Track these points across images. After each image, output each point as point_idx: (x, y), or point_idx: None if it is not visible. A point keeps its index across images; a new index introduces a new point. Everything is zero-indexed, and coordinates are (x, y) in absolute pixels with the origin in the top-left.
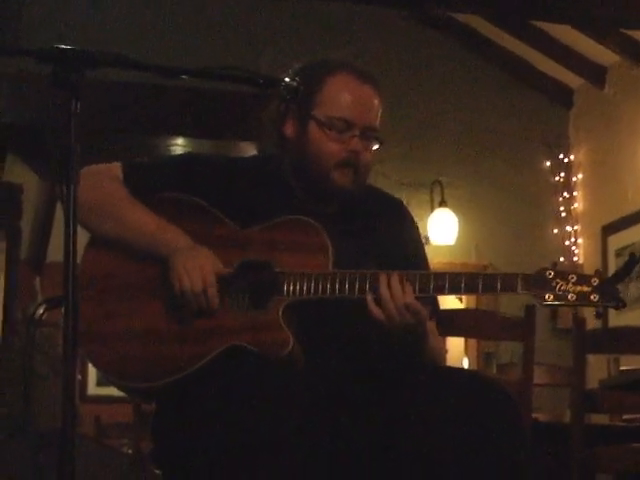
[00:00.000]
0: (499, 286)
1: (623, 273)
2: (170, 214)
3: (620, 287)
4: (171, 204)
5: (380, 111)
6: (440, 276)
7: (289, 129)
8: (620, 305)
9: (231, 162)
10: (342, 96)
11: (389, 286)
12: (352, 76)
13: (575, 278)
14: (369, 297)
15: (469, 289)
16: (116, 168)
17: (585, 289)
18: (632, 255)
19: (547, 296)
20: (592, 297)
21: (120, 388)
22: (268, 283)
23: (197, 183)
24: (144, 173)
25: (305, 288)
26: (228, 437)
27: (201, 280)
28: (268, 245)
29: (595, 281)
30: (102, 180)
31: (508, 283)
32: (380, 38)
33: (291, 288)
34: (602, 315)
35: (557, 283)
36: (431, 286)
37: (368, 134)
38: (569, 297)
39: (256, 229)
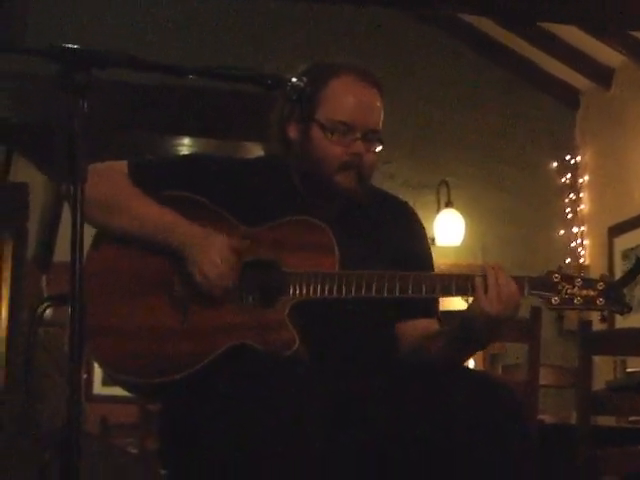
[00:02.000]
0: None
1: (629, 278)
2: (177, 212)
3: (626, 291)
4: (178, 202)
5: (382, 112)
6: (447, 277)
7: (293, 131)
8: (626, 310)
9: (237, 162)
10: (344, 99)
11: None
12: (354, 78)
13: (581, 282)
14: (480, 291)
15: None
16: (122, 166)
17: (591, 293)
18: (638, 260)
19: (553, 299)
20: (598, 301)
21: (123, 385)
22: (274, 283)
23: (203, 182)
24: (150, 171)
25: (311, 288)
26: (233, 436)
27: (223, 262)
28: (275, 244)
29: (601, 285)
30: (110, 176)
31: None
32: (386, 39)
33: (297, 288)
34: (607, 319)
35: (563, 286)
36: (437, 287)
37: (370, 136)
38: (575, 301)
39: (263, 228)
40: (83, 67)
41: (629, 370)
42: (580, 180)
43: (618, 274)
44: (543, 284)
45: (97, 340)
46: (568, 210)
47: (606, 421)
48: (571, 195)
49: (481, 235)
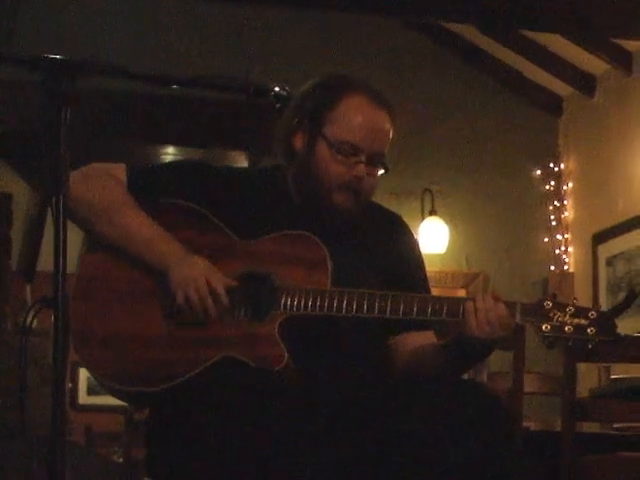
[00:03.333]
0: None
1: (621, 307)
2: (172, 221)
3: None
4: (174, 211)
5: (391, 137)
6: (438, 300)
7: (298, 142)
8: (616, 341)
9: (234, 172)
10: (354, 119)
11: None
12: (367, 99)
13: (573, 310)
14: (470, 316)
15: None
16: (121, 170)
17: (582, 322)
18: (631, 290)
19: (544, 326)
20: (589, 330)
21: (112, 392)
22: (266, 296)
23: (200, 191)
24: (148, 178)
25: (302, 304)
26: (220, 447)
27: (208, 290)
28: (268, 258)
29: (593, 314)
30: (105, 181)
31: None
32: (372, 47)
33: (288, 303)
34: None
35: (555, 314)
36: (429, 309)
37: (374, 160)
38: (566, 329)
39: (257, 241)
40: (67, 77)
41: (613, 377)
42: (564, 187)
43: (602, 281)
44: (534, 311)
45: (86, 346)
46: (552, 217)
47: (591, 428)
48: (555, 202)
49: (465, 243)
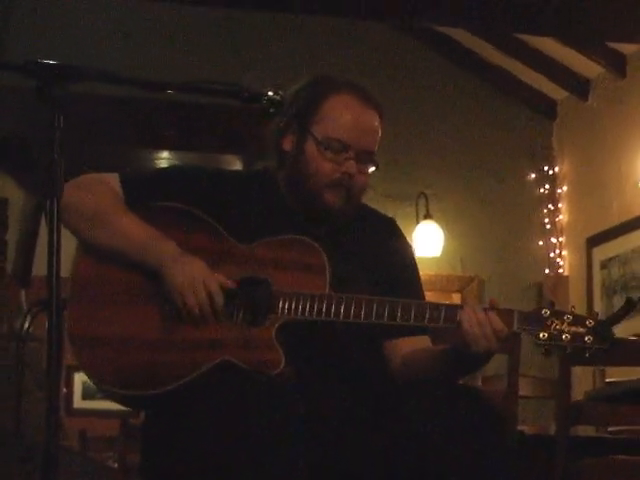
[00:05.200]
0: None
1: (619, 316)
2: (168, 224)
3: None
4: (170, 214)
5: (379, 134)
6: (435, 306)
7: (288, 143)
8: (613, 349)
9: (227, 175)
10: (341, 116)
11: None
12: (354, 97)
13: (571, 318)
14: (466, 326)
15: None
16: (114, 179)
17: (580, 330)
18: (629, 299)
19: (542, 335)
20: (586, 339)
21: (109, 395)
22: (264, 301)
23: (195, 194)
24: (142, 184)
25: (300, 308)
26: (216, 452)
27: (205, 291)
28: (266, 262)
29: (590, 322)
30: (98, 189)
31: (504, 319)
32: (364, 51)
33: (286, 307)
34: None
35: (552, 322)
36: (426, 315)
37: (364, 157)
38: (563, 337)
39: (254, 245)
40: (59, 82)
41: (608, 380)
42: (558, 191)
43: (597, 284)
44: (532, 319)
45: (83, 348)
46: (547, 221)
47: (585, 431)
48: (549, 206)
49: (460, 246)
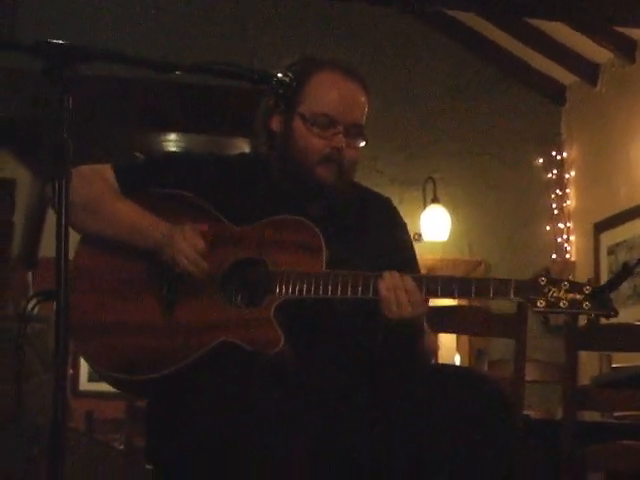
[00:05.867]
0: (492, 291)
1: (616, 282)
2: (164, 209)
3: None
4: (166, 199)
5: (366, 108)
6: (432, 279)
7: (275, 124)
8: (612, 314)
9: (221, 159)
10: (326, 92)
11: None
12: (338, 73)
13: (568, 285)
14: (381, 285)
15: (462, 293)
16: (106, 169)
17: (577, 297)
18: (625, 265)
19: (539, 302)
20: (584, 305)
21: (110, 381)
22: (261, 281)
23: (189, 180)
24: (136, 172)
25: (297, 288)
26: (219, 432)
27: (190, 246)
28: (262, 243)
29: (588, 289)
30: (91, 180)
31: (501, 288)
32: (375, 35)
33: (283, 287)
34: (593, 322)
35: (549, 290)
36: (424, 289)
37: (352, 131)
38: (561, 304)
39: (251, 227)
40: (69, 62)
41: (614, 365)
42: (566, 176)
43: (604, 270)
44: (529, 287)
45: (84, 336)
46: (554, 206)
47: (592, 416)
48: (557, 191)
49: (467, 231)
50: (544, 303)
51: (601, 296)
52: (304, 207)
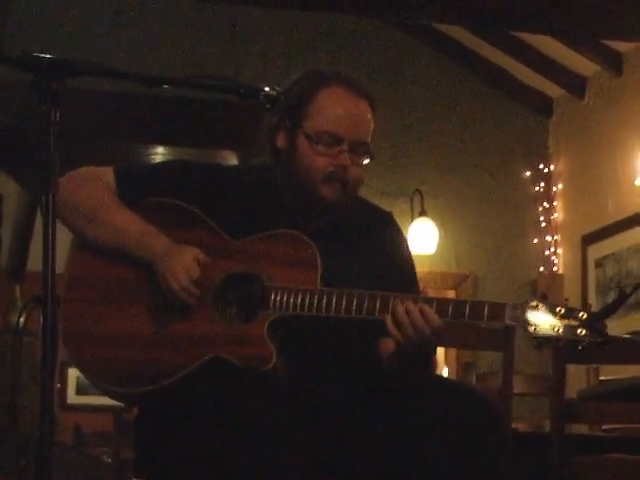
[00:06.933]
0: (486, 314)
1: (612, 309)
2: (162, 220)
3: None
4: (164, 210)
5: (372, 125)
6: (427, 301)
7: (280, 140)
8: (607, 346)
9: (223, 170)
10: (332, 109)
11: (407, 312)
12: (344, 89)
13: (563, 311)
14: (387, 318)
15: (455, 315)
16: (108, 173)
17: (572, 323)
18: (621, 291)
19: (533, 328)
20: (579, 331)
21: (104, 391)
22: (255, 296)
23: (189, 190)
24: (137, 179)
25: (292, 303)
26: (208, 447)
27: (185, 272)
28: (258, 257)
29: (583, 315)
30: (92, 183)
31: (495, 312)
32: (363, 48)
33: (277, 302)
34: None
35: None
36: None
37: (358, 149)
38: (555, 330)
39: (247, 240)
40: (56, 76)
41: (602, 378)
42: (554, 189)
43: (592, 283)
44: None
45: (78, 346)
46: (542, 219)
47: (579, 429)
48: (545, 204)
49: (455, 244)
50: (539, 329)
51: (596, 323)
52: (305, 223)
